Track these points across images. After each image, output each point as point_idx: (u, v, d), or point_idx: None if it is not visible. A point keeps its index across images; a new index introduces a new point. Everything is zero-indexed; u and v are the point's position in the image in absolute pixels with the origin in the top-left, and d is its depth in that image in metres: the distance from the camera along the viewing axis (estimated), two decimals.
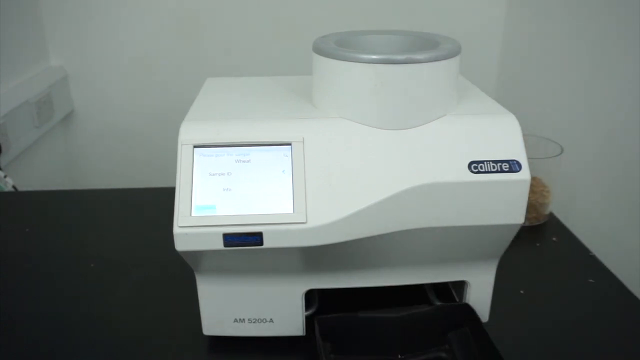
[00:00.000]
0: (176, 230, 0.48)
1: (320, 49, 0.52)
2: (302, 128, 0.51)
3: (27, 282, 0.69)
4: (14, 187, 1.03)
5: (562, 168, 0.83)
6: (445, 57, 0.50)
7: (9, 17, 1.19)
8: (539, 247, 0.76)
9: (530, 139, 0.80)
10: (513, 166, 0.50)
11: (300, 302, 0.55)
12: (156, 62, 1.40)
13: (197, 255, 0.50)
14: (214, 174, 0.50)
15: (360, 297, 0.58)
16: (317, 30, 0.68)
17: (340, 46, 0.54)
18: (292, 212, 0.48)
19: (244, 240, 0.48)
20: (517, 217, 0.51)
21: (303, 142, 0.50)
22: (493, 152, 0.50)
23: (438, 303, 0.60)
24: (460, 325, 0.55)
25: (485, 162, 0.50)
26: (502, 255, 0.56)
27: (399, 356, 0.54)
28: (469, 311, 0.56)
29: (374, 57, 0.49)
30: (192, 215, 0.48)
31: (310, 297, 0.59)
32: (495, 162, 0.50)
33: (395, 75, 0.49)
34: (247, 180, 0.49)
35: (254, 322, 0.56)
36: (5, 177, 1.02)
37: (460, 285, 0.58)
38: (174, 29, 1.38)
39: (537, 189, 0.81)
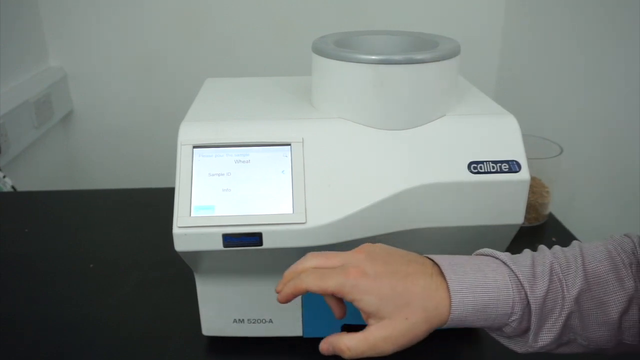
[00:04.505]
0: (175, 230, 0.48)
1: (320, 50, 0.52)
2: (301, 128, 0.51)
3: (26, 282, 0.68)
4: (13, 187, 1.03)
5: (561, 168, 0.83)
6: (445, 58, 0.50)
7: (9, 17, 1.19)
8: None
9: (530, 139, 0.80)
10: (513, 166, 0.50)
11: (299, 303, 0.55)
12: (156, 62, 1.40)
13: (196, 255, 0.50)
14: (213, 175, 0.49)
15: None
16: (317, 31, 0.68)
17: (339, 46, 0.54)
18: (291, 212, 0.48)
19: (243, 241, 0.48)
20: (516, 217, 0.51)
21: (302, 142, 0.50)
22: (493, 152, 0.50)
23: None
24: None
25: (485, 163, 0.50)
26: None
27: None
28: None
29: (373, 57, 0.49)
30: (192, 215, 0.48)
31: None
32: (495, 162, 0.50)
33: (394, 76, 0.49)
34: (247, 181, 0.49)
35: (253, 323, 0.56)
36: (4, 177, 1.02)
37: None
38: (174, 29, 1.38)
39: (536, 189, 0.81)
